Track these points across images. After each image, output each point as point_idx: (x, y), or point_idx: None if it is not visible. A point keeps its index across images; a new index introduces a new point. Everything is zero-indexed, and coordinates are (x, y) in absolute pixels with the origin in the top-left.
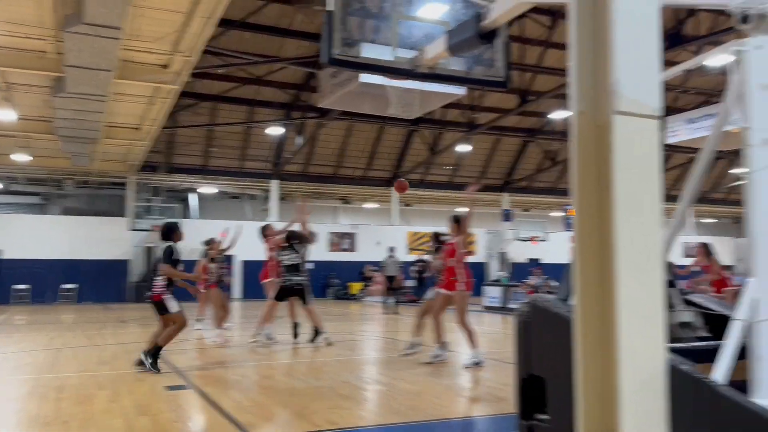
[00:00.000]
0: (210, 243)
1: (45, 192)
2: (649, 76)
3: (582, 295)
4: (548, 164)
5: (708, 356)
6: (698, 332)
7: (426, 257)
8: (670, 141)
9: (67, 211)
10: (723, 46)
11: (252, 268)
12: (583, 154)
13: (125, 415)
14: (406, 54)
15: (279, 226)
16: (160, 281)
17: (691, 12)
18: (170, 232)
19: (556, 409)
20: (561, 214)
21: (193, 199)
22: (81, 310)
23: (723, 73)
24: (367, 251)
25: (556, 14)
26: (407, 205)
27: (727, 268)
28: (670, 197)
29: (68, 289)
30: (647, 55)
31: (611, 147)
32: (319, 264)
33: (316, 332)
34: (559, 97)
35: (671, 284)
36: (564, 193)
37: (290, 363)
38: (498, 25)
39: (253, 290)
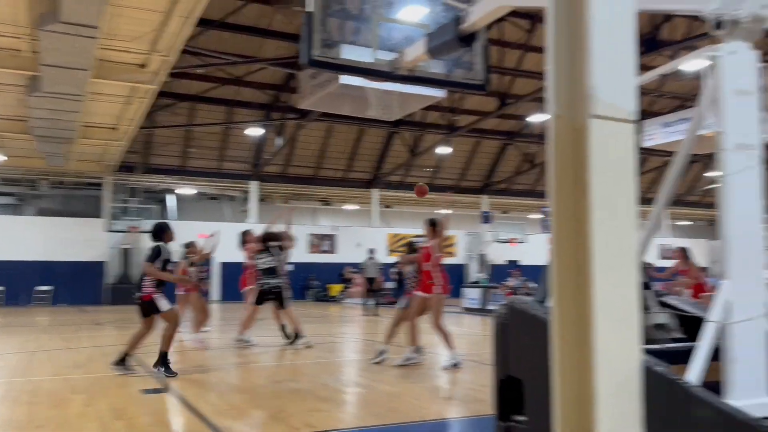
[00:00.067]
0: (189, 246)
1: (19, 192)
2: (625, 80)
3: (558, 297)
4: (527, 167)
5: (683, 358)
6: (673, 334)
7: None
8: (646, 144)
9: (42, 212)
10: (698, 51)
11: (231, 270)
12: (560, 157)
13: (100, 419)
14: (386, 56)
15: (259, 228)
16: (148, 281)
17: (667, 17)
18: (161, 232)
19: (534, 411)
20: (539, 216)
21: (170, 200)
22: (56, 312)
23: (698, 77)
24: (347, 253)
25: (535, 18)
26: (387, 206)
27: (703, 270)
28: (646, 200)
29: (43, 291)
30: (623, 59)
31: (587, 150)
32: (299, 266)
33: (296, 335)
34: (538, 101)
35: (646, 286)
36: (542, 195)
37: (269, 366)
38: (477, 29)
39: (232, 292)
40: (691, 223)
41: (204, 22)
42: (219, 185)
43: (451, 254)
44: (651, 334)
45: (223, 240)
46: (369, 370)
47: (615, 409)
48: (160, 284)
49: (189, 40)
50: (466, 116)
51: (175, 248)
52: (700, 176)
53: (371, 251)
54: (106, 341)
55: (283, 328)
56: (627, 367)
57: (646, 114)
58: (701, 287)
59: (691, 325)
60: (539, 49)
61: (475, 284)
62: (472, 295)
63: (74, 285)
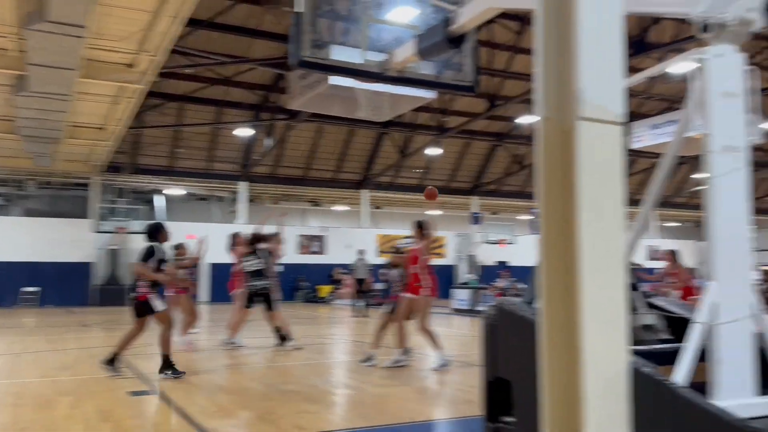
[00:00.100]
0: (179, 247)
1: (6, 193)
2: (613, 83)
3: (547, 298)
4: (516, 168)
5: (670, 358)
6: (660, 335)
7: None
8: (635, 146)
9: (29, 213)
10: (685, 53)
11: (220, 271)
12: (548, 159)
13: (87, 422)
14: (376, 57)
15: (248, 229)
16: (143, 282)
17: (656, 20)
18: (156, 232)
19: (522, 412)
20: (529, 217)
21: (159, 201)
22: (43, 313)
23: (686, 80)
24: (336, 254)
25: (525, 20)
26: (377, 207)
27: (692, 272)
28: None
29: (30, 292)
30: (611, 62)
31: (575, 152)
32: (289, 266)
33: (284, 338)
34: (527, 102)
35: (634, 287)
36: (531, 196)
37: (258, 367)
38: (466, 30)
39: (220, 294)
40: (679, 224)
41: (193, 22)
42: (208, 186)
43: (440, 255)
44: (638, 335)
45: (212, 241)
46: (358, 371)
47: (602, 409)
48: (155, 284)
49: (178, 40)
50: (456, 117)
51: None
52: (688, 178)
53: (361, 252)
54: (94, 343)
55: (278, 330)
56: (614, 368)
57: (634, 116)
58: (690, 290)
59: (679, 326)
60: (528, 51)
61: (465, 285)
62: (461, 296)
63: (61, 286)
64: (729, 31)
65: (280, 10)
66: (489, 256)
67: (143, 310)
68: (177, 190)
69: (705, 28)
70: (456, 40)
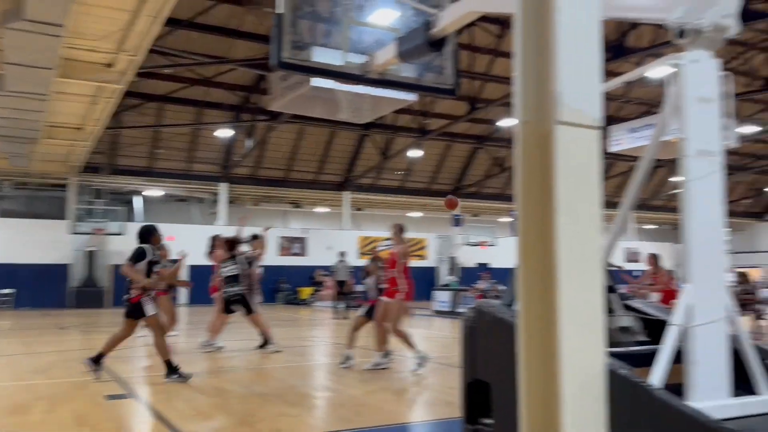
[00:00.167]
0: (160, 248)
1: None
2: (591, 87)
3: (525, 301)
4: (497, 170)
5: (646, 360)
6: (637, 336)
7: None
8: (613, 149)
9: (5, 214)
10: (662, 59)
11: (200, 273)
12: (526, 163)
13: (62, 427)
14: (357, 59)
15: (229, 230)
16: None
17: (634, 25)
18: (148, 235)
19: (501, 414)
20: (509, 219)
21: (137, 202)
22: (18, 316)
23: (663, 84)
24: (317, 256)
25: (505, 23)
26: (358, 209)
27: (671, 274)
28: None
29: (4, 295)
30: (589, 67)
31: (553, 156)
32: (269, 268)
33: (265, 341)
34: (508, 105)
35: (611, 290)
36: (512, 199)
37: (237, 370)
38: (447, 33)
39: (200, 296)
40: (656, 226)
41: (173, 22)
42: (187, 187)
43: (421, 257)
44: (615, 336)
45: (191, 242)
46: (338, 374)
47: (579, 411)
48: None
49: (157, 40)
50: (437, 120)
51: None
52: (665, 181)
53: (342, 254)
54: (70, 346)
55: (263, 333)
56: (591, 370)
57: (613, 119)
58: (671, 293)
59: (655, 328)
60: (509, 55)
61: (446, 287)
62: (442, 298)
63: (37, 288)
64: (704, 37)
65: (261, 11)
66: (470, 257)
67: (134, 312)
68: (156, 191)
69: (681, 33)
70: (436, 43)
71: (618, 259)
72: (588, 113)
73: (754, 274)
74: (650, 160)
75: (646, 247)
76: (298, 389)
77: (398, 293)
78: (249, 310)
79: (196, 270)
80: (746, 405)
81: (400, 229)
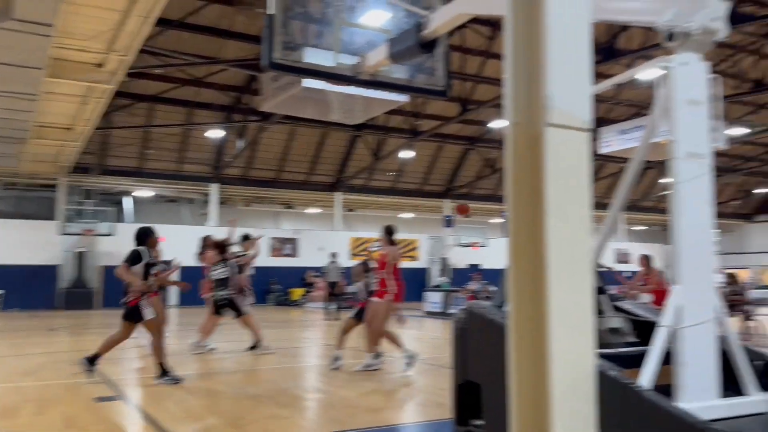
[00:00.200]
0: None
1: None
2: (581, 90)
3: (515, 302)
4: (488, 172)
5: (636, 361)
6: (627, 338)
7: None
8: (604, 151)
9: None
10: (652, 61)
11: (190, 274)
12: (517, 164)
13: (51, 429)
14: (348, 60)
15: (219, 231)
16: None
17: (624, 27)
18: (145, 236)
19: (491, 415)
20: (500, 220)
21: (127, 203)
22: (6, 317)
23: (653, 86)
24: (309, 257)
25: (496, 25)
26: (350, 210)
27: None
28: (603, 205)
29: None
30: (579, 69)
31: (543, 157)
32: (260, 269)
33: (255, 344)
34: (499, 107)
35: (601, 291)
36: (503, 200)
37: (228, 372)
38: (438, 35)
39: (190, 297)
40: (646, 227)
41: (163, 22)
42: (178, 187)
43: (413, 258)
44: (605, 338)
45: (182, 243)
46: (329, 375)
47: (569, 412)
48: (148, 288)
49: (148, 40)
50: (429, 121)
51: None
52: (655, 182)
53: (333, 255)
54: (59, 347)
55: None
56: (581, 371)
57: (603, 121)
58: (664, 294)
59: (645, 329)
60: (500, 56)
61: (437, 288)
62: (433, 299)
63: (26, 289)
64: (693, 40)
65: (252, 11)
66: (461, 258)
67: (132, 315)
68: (146, 192)
69: (670, 36)
70: (428, 45)
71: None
72: (578, 116)
73: (743, 275)
74: (640, 161)
75: (636, 248)
76: (289, 391)
77: (387, 294)
78: (239, 313)
79: (186, 271)
80: (734, 406)
81: (389, 232)
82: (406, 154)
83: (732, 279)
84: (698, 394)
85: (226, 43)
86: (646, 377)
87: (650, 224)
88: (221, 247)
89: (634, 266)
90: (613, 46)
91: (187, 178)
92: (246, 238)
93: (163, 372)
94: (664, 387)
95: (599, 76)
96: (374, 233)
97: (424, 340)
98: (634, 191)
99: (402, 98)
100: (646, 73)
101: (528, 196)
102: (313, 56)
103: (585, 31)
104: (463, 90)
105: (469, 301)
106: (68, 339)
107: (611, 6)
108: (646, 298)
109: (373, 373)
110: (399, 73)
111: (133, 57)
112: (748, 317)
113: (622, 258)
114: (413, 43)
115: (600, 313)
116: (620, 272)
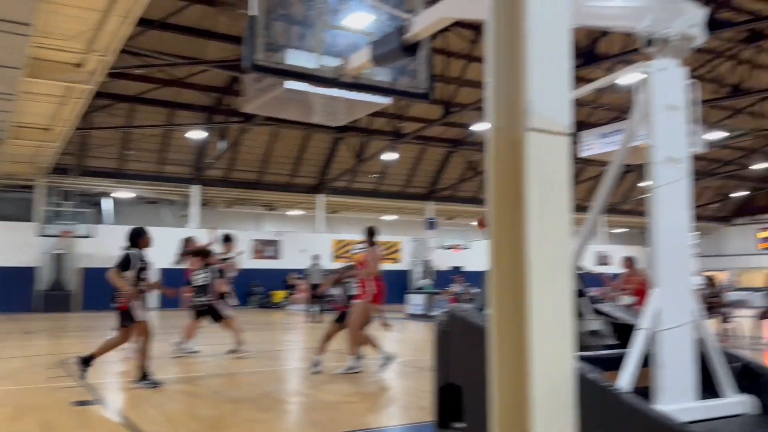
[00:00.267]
0: None
1: None
2: (561, 95)
3: (496, 304)
4: (471, 174)
5: (615, 364)
6: (606, 340)
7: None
8: (584, 154)
9: None
10: (631, 66)
11: (171, 277)
12: (498, 168)
13: None
14: (331, 62)
15: (200, 233)
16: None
17: (605, 32)
18: (137, 238)
19: (473, 418)
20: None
21: (107, 204)
22: None
23: (632, 91)
24: (291, 259)
25: (479, 29)
26: (333, 212)
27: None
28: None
29: None
30: (559, 75)
31: (524, 162)
32: (242, 272)
33: (237, 346)
34: (481, 110)
35: (581, 293)
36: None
37: (209, 376)
38: (421, 38)
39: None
40: (626, 230)
41: (144, 22)
42: (159, 189)
43: (395, 260)
44: (585, 340)
45: (163, 245)
46: (311, 378)
47: (549, 415)
48: (138, 292)
49: (128, 40)
50: (412, 123)
51: (112, 254)
52: (635, 185)
53: (316, 257)
54: (37, 351)
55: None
56: (561, 374)
57: (583, 125)
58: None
59: (624, 332)
60: (483, 60)
61: (420, 290)
62: (416, 301)
63: (3, 291)
64: (672, 46)
65: (234, 12)
66: (444, 261)
67: (126, 319)
68: (126, 193)
69: (649, 42)
70: (410, 48)
71: (588, 263)
72: (558, 120)
73: (721, 278)
74: (620, 165)
75: (616, 251)
76: (270, 394)
77: (366, 296)
78: (219, 318)
79: (166, 273)
80: (712, 408)
81: (371, 233)
82: (388, 157)
83: (710, 281)
84: (676, 397)
85: (207, 44)
86: (625, 380)
87: (630, 227)
88: (204, 253)
89: (614, 268)
90: (593, 51)
91: (167, 180)
92: (227, 239)
93: (143, 376)
94: (643, 389)
95: (580, 80)
96: (357, 235)
97: (406, 343)
98: (614, 194)
99: (384, 100)
100: (626, 77)
101: (509, 199)
102: (295, 58)
103: (565, 36)
104: (446, 93)
105: (452, 304)
106: (46, 342)
107: (591, 12)
108: (629, 299)
109: (355, 375)
110: (382, 75)
111: (113, 57)
112: (725, 319)
113: (603, 260)
114: (396, 46)
115: (580, 315)
116: (604, 273)
